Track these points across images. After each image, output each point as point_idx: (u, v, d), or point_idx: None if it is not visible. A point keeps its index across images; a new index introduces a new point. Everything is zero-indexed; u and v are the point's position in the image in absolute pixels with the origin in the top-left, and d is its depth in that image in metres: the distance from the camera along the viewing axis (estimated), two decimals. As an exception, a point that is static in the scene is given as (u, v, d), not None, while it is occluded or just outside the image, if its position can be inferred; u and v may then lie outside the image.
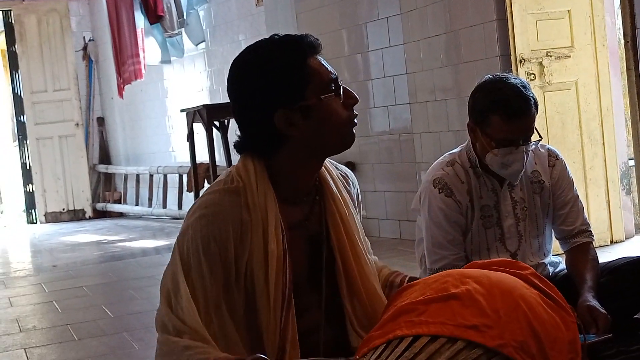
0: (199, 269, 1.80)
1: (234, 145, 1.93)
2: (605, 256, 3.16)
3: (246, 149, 1.90)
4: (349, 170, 2.09)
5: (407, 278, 2.06)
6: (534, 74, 4.57)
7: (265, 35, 1.94)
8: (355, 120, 1.88)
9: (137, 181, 9.41)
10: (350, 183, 2.07)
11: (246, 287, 1.83)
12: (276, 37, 1.87)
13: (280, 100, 1.81)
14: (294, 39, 1.85)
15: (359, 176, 6.03)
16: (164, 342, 1.78)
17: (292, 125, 1.82)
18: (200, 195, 1.92)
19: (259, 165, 1.87)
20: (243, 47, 1.92)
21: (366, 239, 2.05)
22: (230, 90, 1.90)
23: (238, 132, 1.91)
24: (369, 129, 5.94)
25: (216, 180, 1.91)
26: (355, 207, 2.04)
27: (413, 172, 5.52)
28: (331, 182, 1.97)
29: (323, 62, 1.86)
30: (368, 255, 2.00)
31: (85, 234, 8.40)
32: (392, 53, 5.63)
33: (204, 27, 7.89)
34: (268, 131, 1.84)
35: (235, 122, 1.94)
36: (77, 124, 9.74)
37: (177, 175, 8.48)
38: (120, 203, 9.75)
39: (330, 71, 1.86)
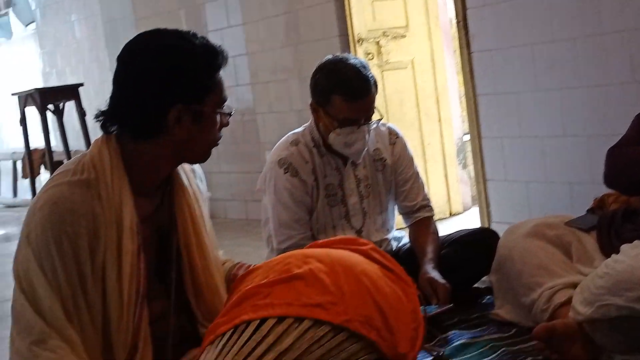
0: (52, 267, 1.71)
1: (98, 118, 1.83)
2: (445, 228, 3.27)
3: (112, 128, 1.83)
4: (197, 165, 2.06)
5: (251, 266, 2.05)
6: (372, 54, 4.64)
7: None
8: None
9: (-33, 170, 8.88)
10: (198, 177, 2.06)
11: (102, 283, 1.76)
12: (198, 37, 1.85)
13: (182, 97, 1.80)
14: (214, 48, 1.86)
15: (203, 158, 5.96)
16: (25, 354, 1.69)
17: (180, 123, 1.81)
18: (46, 184, 1.79)
19: (114, 153, 1.81)
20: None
21: (213, 232, 2.03)
22: (130, 67, 1.82)
23: (102, 108, 1.83)
24: (211, 110, 5.86)
25: (63, 169, 1.81)
26: (203, 200, 2.02)
27: (257, 153, 5.50)
28: (183, 174, 1.96)
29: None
30: (214, 250, 2.00)
31: None
32: (232, 33, 5.57)
33: (33, 7, 7.49)
34: (153, 120, 1.79)
35: (112, 98, 1.84)
36: None
37: (11, 161, 8.06)
38: (-51, 193, 9.18)
39: (225, 94, 1.90)
